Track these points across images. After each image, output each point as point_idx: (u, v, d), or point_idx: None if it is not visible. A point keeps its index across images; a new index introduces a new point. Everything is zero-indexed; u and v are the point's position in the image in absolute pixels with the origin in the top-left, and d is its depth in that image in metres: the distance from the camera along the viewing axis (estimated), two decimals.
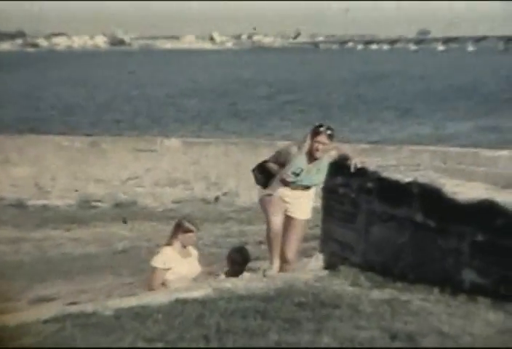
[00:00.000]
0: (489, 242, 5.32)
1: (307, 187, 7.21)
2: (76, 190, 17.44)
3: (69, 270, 10.24)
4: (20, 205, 16.34)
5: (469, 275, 5.50)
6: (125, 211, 15.92)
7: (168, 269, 7.00)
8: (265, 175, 7.30)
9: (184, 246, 7.16)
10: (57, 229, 13.34)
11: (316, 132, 7.02)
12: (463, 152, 16.61)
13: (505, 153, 15.99)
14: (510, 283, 5.20)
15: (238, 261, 8.02)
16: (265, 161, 7.34)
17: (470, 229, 5.50)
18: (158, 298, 5.89)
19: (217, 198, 17.49)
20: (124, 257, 11.23)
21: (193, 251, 7.32)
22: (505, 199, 5.43)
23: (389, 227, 6.41)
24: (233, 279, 6.93)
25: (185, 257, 7.16)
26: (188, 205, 16.88)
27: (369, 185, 6.75)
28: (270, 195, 7.16)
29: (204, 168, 18.46)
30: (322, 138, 6.98)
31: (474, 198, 5.60)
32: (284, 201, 7.16)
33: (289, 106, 46.10)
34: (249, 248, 11.27)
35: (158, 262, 7.01)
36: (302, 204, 7.22)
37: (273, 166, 7.24)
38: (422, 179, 6.20)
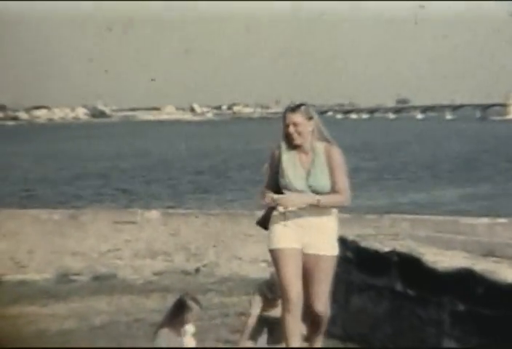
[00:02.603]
0: (468, 311, 5.25)
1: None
2: (53, 264, 17.25)
3: (45, 347, 10.03)
4: None
5: (449, 345, 5.41)
6: (104, 284, 15.71)
7: None
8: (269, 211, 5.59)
9: (183, 325, 6.99)
10: (33, 304, 13.11)
11: (283, 117, 5.55)
12: (443, 220, 16.62)
13: (484, 220, 15.99)
14: None
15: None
16: (265, 188, 5.56)
17: (449, 298, 5.44)
18: None
19: (197, 270, 17.32)
20: (101, 333, 11.02)
21: (190, 329, 7.14)
22: (484, 268, 5.39)
23: (368, 297, 6.34)
24: None
25: (181, 336, 7.00)
26: (167, 277, 16.68)
27: (348, 254, 6.71)
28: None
29: (184, 239, 18.34)
30: (289, 118, 5.44)
31: (453, 267, 5.55)
32: (294, 233, 5.38)
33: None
34: (229, 320, 11.15)
35: (163, 343, 6.85)
36: (318, 230, 5.39)
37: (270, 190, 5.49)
38: (401, 249, 6.17)
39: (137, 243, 18.61)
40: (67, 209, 23.82)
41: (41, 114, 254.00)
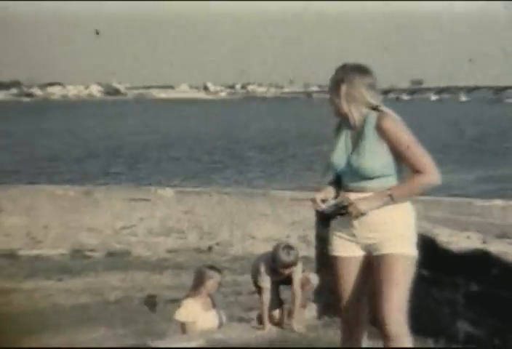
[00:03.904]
0: (483, 292, 5.30)
1: (362, 181, 4.13)
2: (68, 240, 17.39)
3: (60, 321, 10.14)
4: (11, 255, 16.24)
5: (463, 326, 5.45)
6: (118, 261, 15.83)
7: (193, 322, 6.89)
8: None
9: (208, 296, 7.04)
10: (48, 279, 13.24)
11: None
12: (457, 202, 16.63)
13: (498, 202, 16.02)
14: (504, 334, 5.16)
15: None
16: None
17: (464, 279, 5.48)
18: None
19: (210, 248, 17.41)
20: (116, 308, 11.13)
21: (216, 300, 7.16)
22: (498, 249, 5.42)
23: None
24: (227, 329, 6.85)
25: (208, 309, 7.04)
26: (181, 254, 16.79)
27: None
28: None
29: (198, 217, 18.43)
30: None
31: (468, 248, 5.58)
32: (356, 234, 4.18)
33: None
34: (242, 298, 11.22)
35: (182, 315, 6.90)
36: (387, 224, 4.13)
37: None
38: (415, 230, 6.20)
39: (151, 221, 18.73)
40: (81, 185, 23.93)
41: (55, 91, 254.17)
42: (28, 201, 18.66)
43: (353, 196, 4.09)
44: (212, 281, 6.99)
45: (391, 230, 4.10)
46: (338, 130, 4.29)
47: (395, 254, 4.05)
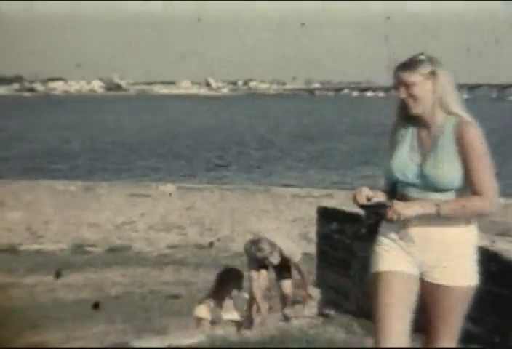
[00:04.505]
0: (483, 290, 5.29)
1: (432, 193, 3.67)
2: (69, 235, 17.41)
3: (61, 316, 10.16)
4: (12, 250, 16.26)
5: (464, 324, 5.45)
6: (119, 256, 15.85)
7: (209, 320, 6.95)
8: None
9: (228, 297, 7.08)
10: (49, 274, 13.25)
11: (394, 76, 3.81)
12: None
13: (500, 200, 16.01)
14: (504, 332, 5.16)
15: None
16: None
17: None
18: (152, 345, 5.84)
19: (211, 244, 17.42)
20: (116, 303, 11.15)
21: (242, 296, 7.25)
22: (500, 246, 5.42)
23: None
24: (227, 326, 6.87)
25: (227, 310, 7.08)
26: (182, 250, 16.81)
27: (364, 231, 6.74)
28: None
29: (199, 213, 18.44)
30: (399, 76, 3.74)
31: None
32: (406, 251, 3.72)
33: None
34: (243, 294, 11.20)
35: (203, 312, 6.94)
36: (445, 248, 3.68)
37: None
38: None
39: (152, 216, 18.74)
40: (82, 181, 23.94)
41: (57, 86, 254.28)
42: (28, 196, 18.68)
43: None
44: (232, 284, 7.03)
45: (457, 257, 3.67)
46: (397, 133, 3.82)
47: (458, 286, 3.70)
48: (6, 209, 18.68)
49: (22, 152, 45.07)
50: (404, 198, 3.67)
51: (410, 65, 3.70)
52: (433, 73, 3.67)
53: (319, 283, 7.52)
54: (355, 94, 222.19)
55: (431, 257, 3.67)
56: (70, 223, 17.86)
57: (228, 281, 7.04)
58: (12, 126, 71.02)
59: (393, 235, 3.72)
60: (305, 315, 7.08)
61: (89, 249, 16.59)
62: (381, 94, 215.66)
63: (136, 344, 5.97)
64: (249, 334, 6.03)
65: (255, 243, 7.13)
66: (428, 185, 3.64)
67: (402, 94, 3.72)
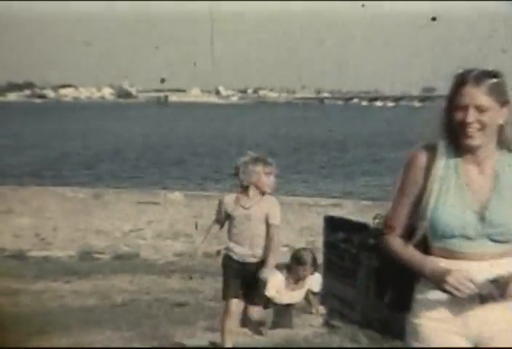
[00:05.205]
0: None
1: (498, 244, 3.00)
2: (77, 242, 17.46)
3: (68, 322, 10.18)
4: (20, 256, 16.30)
5: None
6: (126, 263, 15.87)
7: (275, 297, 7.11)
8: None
9: (301, 279, 7.22)
10: (57, 281, 13.28)
11: (452, 90, 3.15)
12: None
13: None
14: None
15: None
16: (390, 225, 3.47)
17: None
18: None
19: (218, 252, 17.46)
20: (123, 311, 11.16)
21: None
22: None
23: None
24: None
25: (294, 289, 7.23)
26: (189, 258, 16.83)
27: (371, 241, 6.75)
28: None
29: (206, 221, 18.45)
30: (470, 94, 2.99)
31: None
32: (456, 323, 3.02)
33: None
34: None
35: (269, 291, 7.06)
36: (502, 322, 3.02)
37: None
38: None
39: (159, 224, 18.77)
40: (91, 188, 24.01)
41: (68, 93, 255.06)
42: (37, 203, 18.75)
43: (465, 265, 2.93)
44: (302, 267, 7.16)
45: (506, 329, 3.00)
46: (436, 165, 3.02)
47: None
48: (14, 215, 18.75)
49: (34, 159, 45.18)
50: (448, 253, 3.02)
51: (487, 82, 2.98)
52: (507, 102, 3.02)
53: (325, 293, 7.54)
54: (364, 103, 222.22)
55: (481, 327, 3.02)
56: (78, 230, 17.90)
57: (296, 263, 7.20)
58: (23, 132, 71.22)
59: (442, 309, 3.07)
60: (311, 325, 7.10)
61: (97, 255, 16.62)
62: (390, 103, 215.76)
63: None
64: (255, 343, 6.04)
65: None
66: (492, 235, 2.96)
67: (470, 117, 2.96)
